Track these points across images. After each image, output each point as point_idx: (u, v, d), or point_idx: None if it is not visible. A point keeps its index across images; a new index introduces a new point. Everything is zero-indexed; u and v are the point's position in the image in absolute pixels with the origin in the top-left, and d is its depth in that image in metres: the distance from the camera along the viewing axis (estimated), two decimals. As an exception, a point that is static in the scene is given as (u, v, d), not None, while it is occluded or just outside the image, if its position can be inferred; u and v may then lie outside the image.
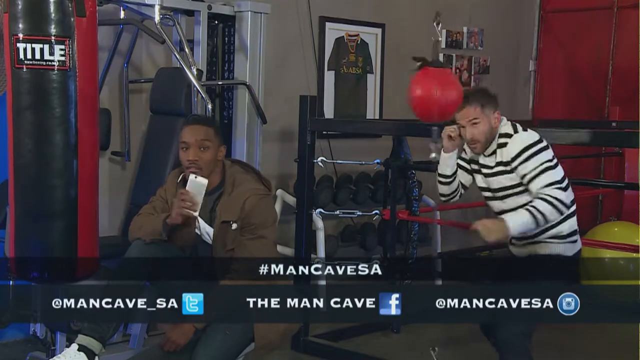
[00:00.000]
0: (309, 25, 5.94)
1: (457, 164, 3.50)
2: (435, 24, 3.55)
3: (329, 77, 6.13)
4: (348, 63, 6.26)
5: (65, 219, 3.41)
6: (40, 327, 3.84)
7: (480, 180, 3.44)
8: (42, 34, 3.27)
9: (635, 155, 3.44)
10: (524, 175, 3.21)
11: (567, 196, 3.18)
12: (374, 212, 5.08)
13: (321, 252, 5.34)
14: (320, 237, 5.35)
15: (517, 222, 3.13)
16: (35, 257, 3.44)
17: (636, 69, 7.08)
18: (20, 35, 3.27)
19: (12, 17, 3.28)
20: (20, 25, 3.27)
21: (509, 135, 3.30)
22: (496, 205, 3.41)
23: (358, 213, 5.31)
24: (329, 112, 6.11)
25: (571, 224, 3.32)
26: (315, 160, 4.62)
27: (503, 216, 3.18)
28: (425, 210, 5.76)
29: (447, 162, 3.47)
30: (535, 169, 3.19)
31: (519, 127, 3.31)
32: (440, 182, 3.55)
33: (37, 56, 3.27)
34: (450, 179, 3.51)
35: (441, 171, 3.51)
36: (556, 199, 3.12)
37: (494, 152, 3.34)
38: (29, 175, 3.39)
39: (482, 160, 3.39)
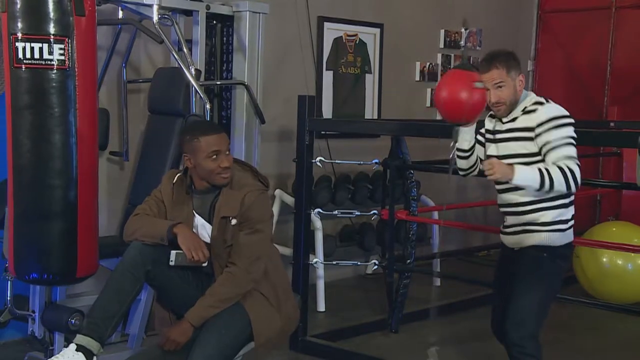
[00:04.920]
0: (308, 25, 5.94)
1: (475, 138, 3.45)
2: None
3: (328, 77, 6.13)
4: (346, 63, 6.26)
5: (64, 219, 3.41)
6: (39, 327, 3.83)
7: (491, 149, 3.36)
8: (41, 33, 3.27)
9: (633, 156, 3.44)
10: (546, 143, 3.14)
11: (580, 175, 3.11)
12: (372, 212, 5.08)
13: (320, 252, 5.34)
14: (319, 237, 5.35)
15: (525, 172, 3.07)
16: (35, 257, 3.43)
17: (634, 69, 7.11)
18: (19, 35, 3.27)
19: (11, 16, 3.27)
20: (19, 25, 3.27)
21: (541, 103, 3.25)
22: None
23: (356, 213, 5.31)
24: (327, 112, 6.12)
25: (561, 212, 3.28)
26: (313, 160, 4.61)
27: (515, 165, 3.12)
28: (424, 210, 5.77)
29: (465, 137, 3.42)
30: (559, 139, 3.13)
31: (550, 100, 3.29)
32: (459, 157, 3.50)
33: (36, 55, 3.27)
34: (468, 153, 3.46)
35: (459, 145, 3.46)
36: (571, 171, 3.07)
37: (515, 119, 3.27)
38: (28, 176, 3.38)
39: (499, 126, 3.33)
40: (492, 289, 3.70)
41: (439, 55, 7.02)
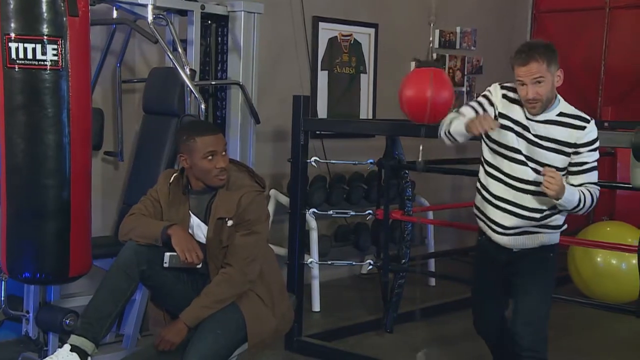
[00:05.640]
0: (303, 25, 5.94)
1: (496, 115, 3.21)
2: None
3: (323, 76, 6.13)
4: (341, 63, 6.26)
5: (57, 219, 3.41)
6: (33, 328, 3.82)
7: (515, 141, 3.13)
8: (35, 34, 3.27)
9: (627, 156, 3.44)
10: (583, 163, 3.10)
11: None
12: (367, 212, 5.08)
13: (315, 252, 5.34)
14: (314, 237, 5.35)
15: (572, 195, 3.03)
16: (28, 257, 3.43)
17: (628, 69, 7.12)
18: (12, 35, 3.26)
19: (4, 16, 3.27)
20: (12, 25, 3.26)
21: (587, 120, 3.11)
22: (512, 167, 3.16)
23: (351, 213, 5.30)
24: (322, 111, 6.12)
25: (565, 217, 3.28)
26: (308, 160, 4.61)
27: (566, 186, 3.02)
28: (419, 210, 5.77)
29: (460, 132, 3.18)
30: (593, 162, 3.11)
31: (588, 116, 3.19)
32: (447, 137, 3.28)
33: (30, 56, 3.26)
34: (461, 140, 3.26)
35: (453, 132, 3.22)
36: (596, 198, 3.11)
37: (552, 123, 3.10)
38: (21, 176, 3.38)
39: (529, 124, 3.12)
40: (475, 291, 3.58)
41: (434, 55, 7.01)
